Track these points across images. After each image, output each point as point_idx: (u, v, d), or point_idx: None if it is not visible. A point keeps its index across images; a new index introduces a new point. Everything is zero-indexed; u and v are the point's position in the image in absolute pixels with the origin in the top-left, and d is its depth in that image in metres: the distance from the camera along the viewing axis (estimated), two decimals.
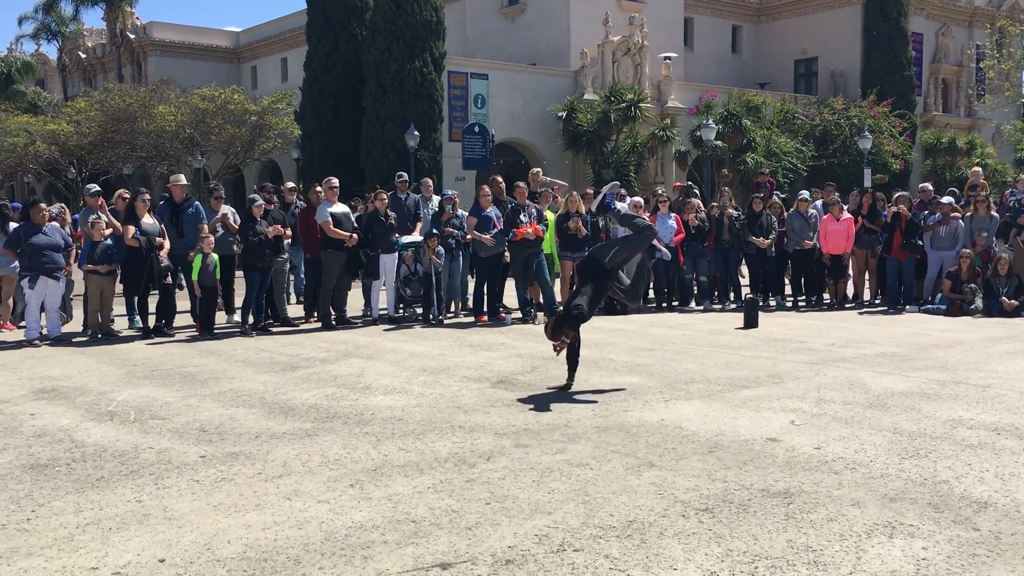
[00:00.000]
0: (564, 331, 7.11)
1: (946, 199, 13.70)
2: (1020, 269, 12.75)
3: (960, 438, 5.68)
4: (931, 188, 15.00)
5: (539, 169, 14.56)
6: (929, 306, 12.94)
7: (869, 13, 39.06)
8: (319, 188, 11.98)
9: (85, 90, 44.96)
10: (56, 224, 11.11)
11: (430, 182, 14.12)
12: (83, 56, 53.63)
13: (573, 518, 4.28)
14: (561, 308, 12.07)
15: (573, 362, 7.37)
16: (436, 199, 13.45)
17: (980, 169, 17.42)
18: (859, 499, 4.51)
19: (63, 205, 13.58)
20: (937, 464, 5.11)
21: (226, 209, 12.18)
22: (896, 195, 14.23)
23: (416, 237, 12.35)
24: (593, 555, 3.84)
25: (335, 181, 11.99)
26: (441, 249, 12.13)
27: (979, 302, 12.39)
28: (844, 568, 3.68)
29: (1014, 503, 4.43)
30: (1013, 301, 12.11)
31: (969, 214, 13.56)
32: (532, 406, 6.77)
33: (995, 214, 13.67)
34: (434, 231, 12.30)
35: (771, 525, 4.16)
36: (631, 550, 3.89)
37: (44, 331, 10.84)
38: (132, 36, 47.62)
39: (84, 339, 10.98)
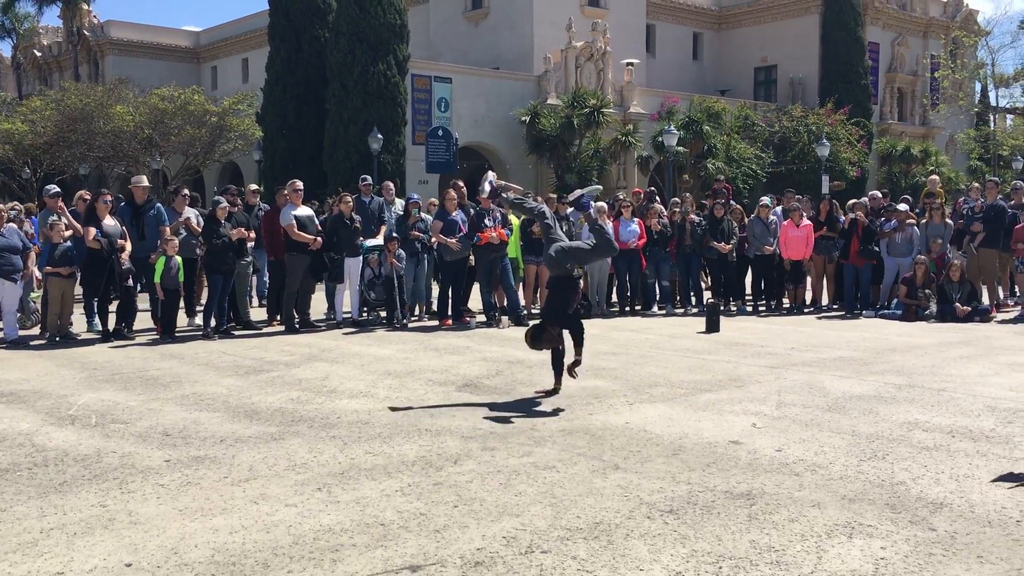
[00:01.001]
0: (543, 340, 7.22)
1: (901, 206, 13.98)
2: (973, 275, 13.06)
3: (916, 440, 5.82)
4: (880, 195, 15.28)
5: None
6: (885, 311, 13.20)
7: (827, 23, 39.70)
8: (286, 191, 11.92)
9: (41, 89, 44.17)
10: (14, 226, 10.93)
11: (391, 185, 14.03)
12: (38, 54, 52.65)
13: (540, 520, 4.33)
14: (524, 312, 12.13)
15: (558, 366, 7.36)
16: (399, 202, 13.44)
17: (937, 177, 17.79)
18: (819, 500, 4.61)
19: (17, 204, 13.29)
20: (894, 466, 5.23)
21: (189, 212, 12.07)
22: (852, 202, 14.49)
23: (380, 240, 12.34)
24: (561, 556, 3.89)
25: (299, 184, 11.93)
26: (402, 252, 12.13)
27: (933, 307, 12.66)
28: (805, 568, 3.77)
29: (968, 504, 4.56)
30: (966, 307, 12.39)
31: (924, 221, 13.86)
32: (498, 410, 6.81)
33: (949, 221, 13.98)
34: (394, 235, 12.31)
35: (734, 526, 4.24)
36: (598, 551, 3.94)
37: (0, 334, 10.66)
38: (89, 35, 46.83)
39: (42, 342, 10.82)
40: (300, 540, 4.10)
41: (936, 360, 9.10)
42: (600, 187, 9.11)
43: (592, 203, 8.06)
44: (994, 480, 4.92)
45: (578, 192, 8.03)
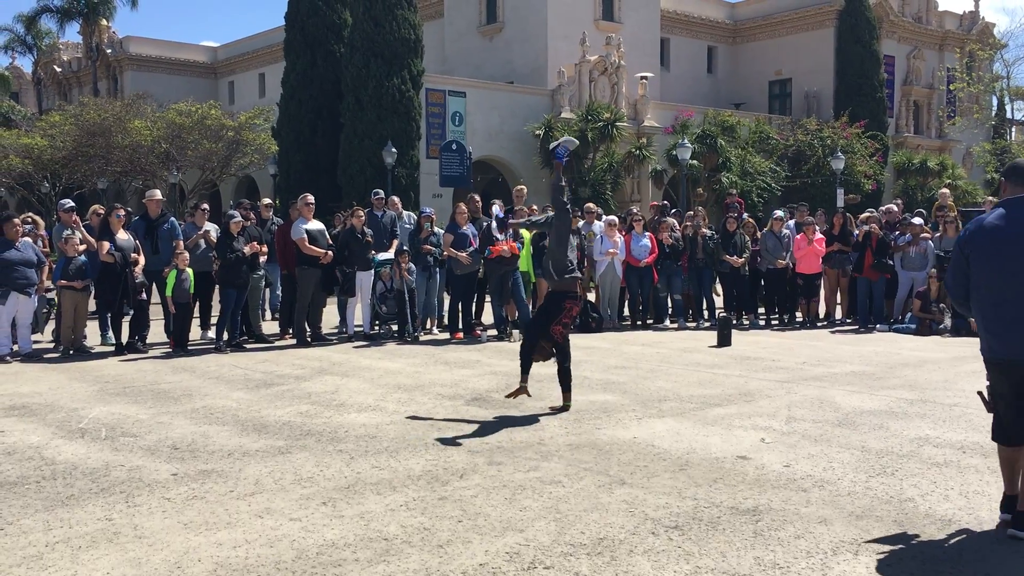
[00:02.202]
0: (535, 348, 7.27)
1: (916, 220, 13.89)
2: None
3: (926, 456, 5.77)
4: (895, 208, 15.17)
5: (523, 187, 14.41)
6: (899, 325, 13.10)
7: (842, 36, 39.59)
8: (298, 205, 11.97)
9: (60, 104, 44.64)
10: (29, 240, 11.02)
11: (396, 200, 13.95)
12: (58, 70, 53.25)
13: (544, 535, 4.31)
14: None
15: (564, 382, 7.31)
16: (406, 214, 13.53)
17: (948, 191, 17.68)
18: (826, 516, 4.57)
19: (33, 216, 13.27)
20: (903, 482, 5.19)
21: (209, 226, 12.14)
22: (865, 215, 14.40)
23: (392, 254, 12.37)
24: (563, 572, 3.87)
25: (310, 198, 11.99)
26: (412, 266, 12.16)
27: (948, 322, 12.56)
28: None
29: (977, 521, 4.51)
30: None
31: (938, 235, 13.77)
32: (506, 424, 6.80)
33: None
34: (404, 248, 12.35)
35: (739, 542, 4.21)
36: (601, 567, 3.92)
37: (15, 347, 10.74)
38: (108, 50, 47.36)
39: (56, 355, 10.89)
40: (303, 555, 4.10)
41: (949, 375, 9.02)
42: (576, 141, 8.32)
43: (565, 154, 7.75)
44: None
45: (554, 144, 7.84)
